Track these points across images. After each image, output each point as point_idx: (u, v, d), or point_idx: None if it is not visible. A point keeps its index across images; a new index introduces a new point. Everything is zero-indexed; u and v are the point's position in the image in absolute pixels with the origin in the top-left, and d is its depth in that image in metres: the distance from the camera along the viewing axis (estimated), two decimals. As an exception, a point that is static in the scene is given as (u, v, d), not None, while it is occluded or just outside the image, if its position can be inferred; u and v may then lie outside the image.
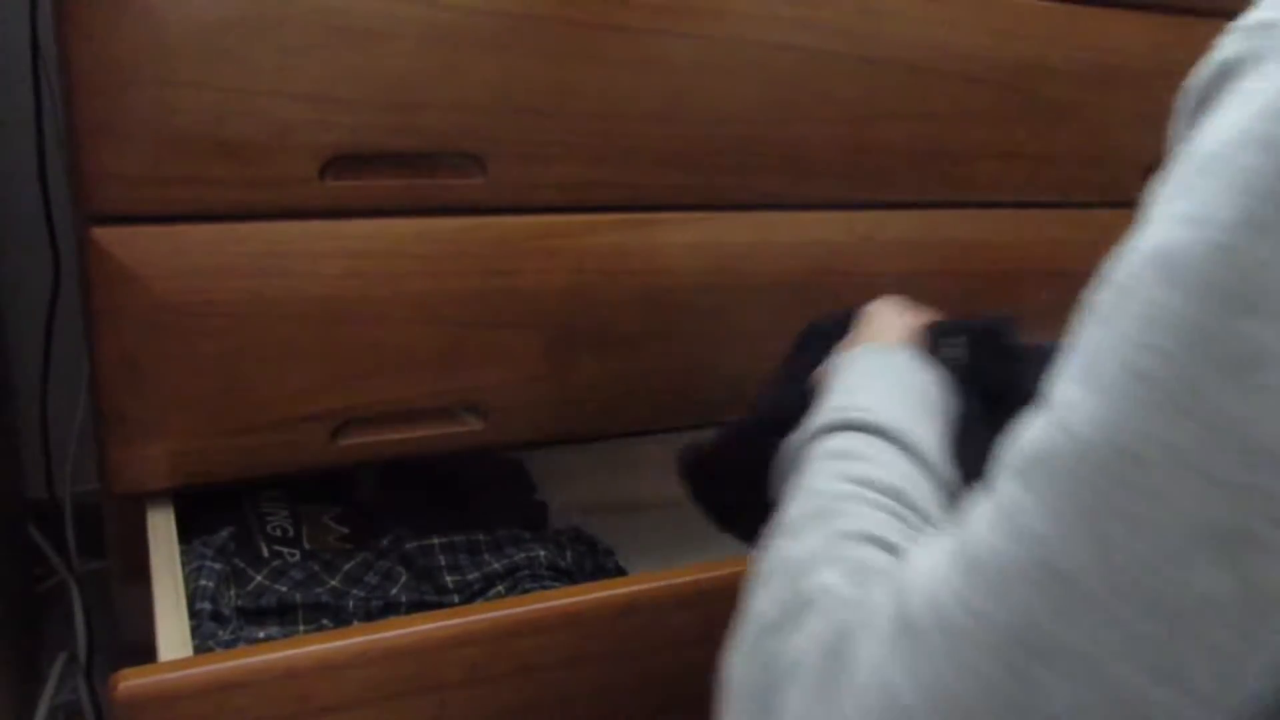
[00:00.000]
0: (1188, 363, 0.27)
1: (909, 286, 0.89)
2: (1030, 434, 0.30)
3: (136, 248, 0.63)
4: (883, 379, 0.52)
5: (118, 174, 0.62)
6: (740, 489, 0.57)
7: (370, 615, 0.70)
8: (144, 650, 0.56)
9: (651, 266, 0.78)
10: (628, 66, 0.72)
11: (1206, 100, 0.32)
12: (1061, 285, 0.96)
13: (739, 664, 0.36)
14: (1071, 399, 0.29)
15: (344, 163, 0.67)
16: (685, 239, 0.78)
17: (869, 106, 0.80)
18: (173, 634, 0.56)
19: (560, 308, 0.75)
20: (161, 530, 0.67)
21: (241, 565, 0.71)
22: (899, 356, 0.55)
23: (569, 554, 0.78)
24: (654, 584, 0.61)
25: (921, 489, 0.43)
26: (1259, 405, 0.26)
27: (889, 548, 0.37)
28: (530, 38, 0.68)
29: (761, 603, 0.38)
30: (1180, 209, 0.29)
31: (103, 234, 0.63)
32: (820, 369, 0.59)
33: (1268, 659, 0.27)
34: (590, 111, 0.72)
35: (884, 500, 0.41)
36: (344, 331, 0.69)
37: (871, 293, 0.87)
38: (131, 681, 0.49)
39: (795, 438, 0.49)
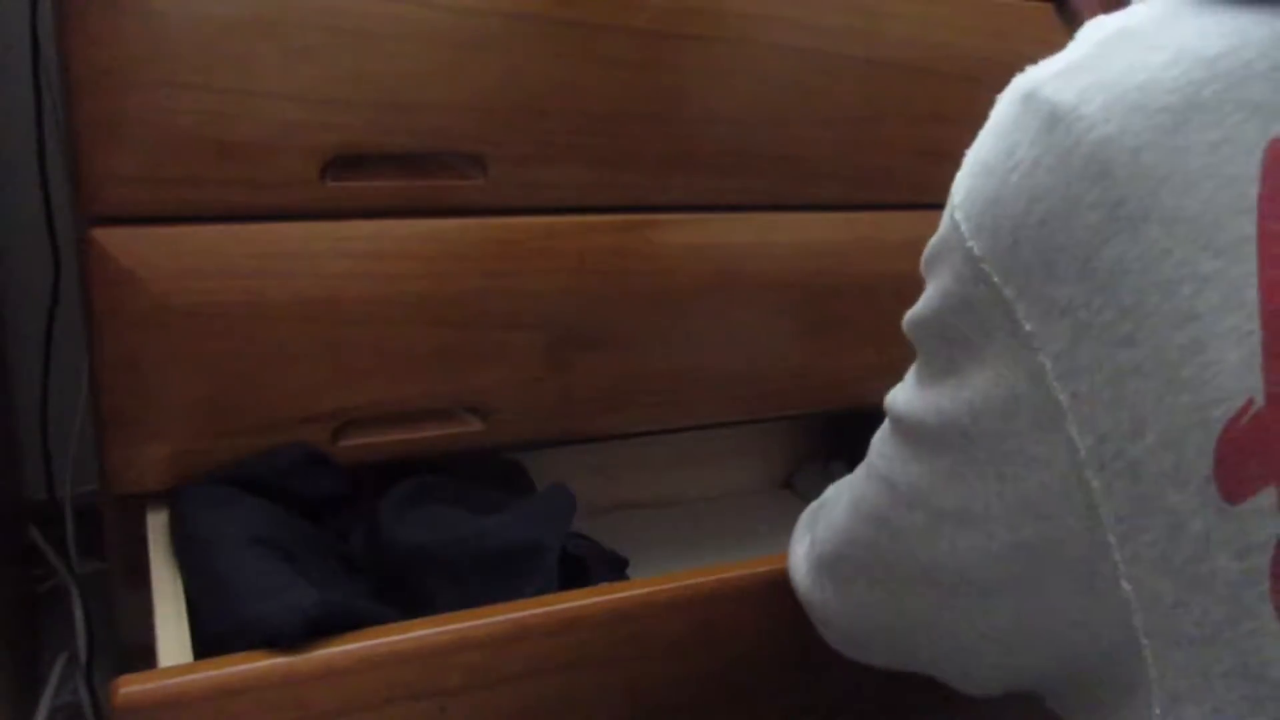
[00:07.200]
0: None
1: (909, 287, 0.89)
2: None
3: (136, 248, 0.63)
4: None
5: (118, 174, 0.62)
6: None
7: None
8: (144, 652, 0.56)
9: (651, 266, 0.78)
10: (628, 66, 0.71)
11: None
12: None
13: None
14: None
15: (344, 163, 0.67)
16: (685, 239, 0.78)
17: (869, 107, 0.80)
18: (173, 638, 0.56)
19: (560, 308, 0.75)
20: (161, 532, 0.66)
21: (241, 567, 0.71)
22: None
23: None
24: (654, 588, 0.61)
25: None
26: None
27: None
28: (530, 38, 0.68)
29: None
30: None
31: (103, 234, 0.62)
32: None
33: None
34: (590, 111, 0.72)
35: None
36: (344, 332, 0.69)
37: (872, 292, 0.87)
38: (131, 687, 0.49)
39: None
